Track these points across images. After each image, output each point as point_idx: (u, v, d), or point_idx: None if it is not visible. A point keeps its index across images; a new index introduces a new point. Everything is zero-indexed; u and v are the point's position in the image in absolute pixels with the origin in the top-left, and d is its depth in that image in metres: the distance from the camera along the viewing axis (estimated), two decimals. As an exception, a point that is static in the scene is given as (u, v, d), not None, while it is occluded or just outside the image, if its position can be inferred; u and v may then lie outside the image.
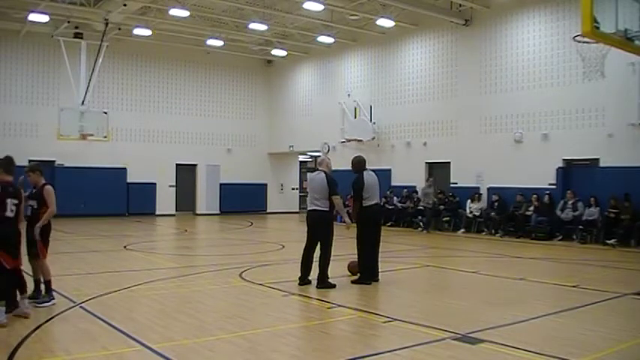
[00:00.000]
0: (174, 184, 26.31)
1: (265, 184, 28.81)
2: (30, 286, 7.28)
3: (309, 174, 9.20)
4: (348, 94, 24.04)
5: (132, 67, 25.41)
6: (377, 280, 9.06)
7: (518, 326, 6.44)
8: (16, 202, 6.57)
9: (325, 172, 8.81)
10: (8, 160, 6.75)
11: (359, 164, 9.34)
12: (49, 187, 7.28)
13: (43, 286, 7.28)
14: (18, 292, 6.57)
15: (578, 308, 7.48)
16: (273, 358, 5.23)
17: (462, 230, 18.55)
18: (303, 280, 8.75)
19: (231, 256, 12.75)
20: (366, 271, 8.99)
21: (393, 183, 21.81)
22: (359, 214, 9.15)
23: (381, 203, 9.90)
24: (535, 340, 5.81)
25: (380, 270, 9.25)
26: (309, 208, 8.91)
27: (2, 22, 21.40)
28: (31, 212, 7.16)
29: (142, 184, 25.06)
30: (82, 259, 11.76)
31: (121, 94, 25.06)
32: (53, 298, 7.22)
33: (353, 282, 8.96)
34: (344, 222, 8.94)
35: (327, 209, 8.64)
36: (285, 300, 7.87)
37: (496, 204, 17.91)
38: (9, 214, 6.46)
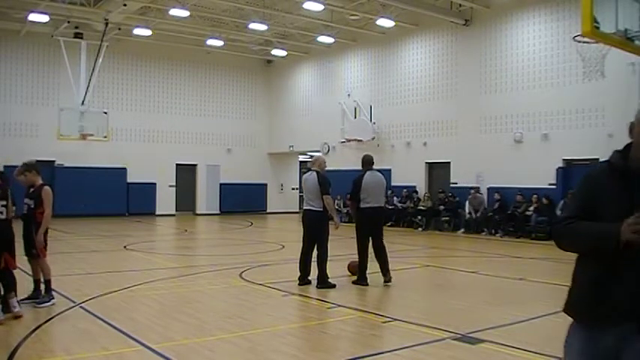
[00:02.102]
0: (174, 184, 26.30)
1: (265, 184, 28.80)
2: (30, 286, 7.30)
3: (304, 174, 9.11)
4: (348, 94, 24.03)
5: (132, 67, 25.41)
6: (389, 281, 8.86)
7: (518, 326, 6.45)
8: (3, 203, 6.52)
9: (317, 172, 8.77)
10: None
11: (365, 163, 9.08)
12: (48, 189, 7.23)
13: (42, 286, 7.26)
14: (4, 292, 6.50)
15: (578, 308, 7.46)
16: (273, 358, 5.23)
17: (462, 230, 18.54)
18: (303, 280, 8.75)
19: (231, 256, 12.74)
20: (361, 272, 8.87)
21: (393, 183, 21.76)
22: (355, 215, 9.03)
23: (383, 205, 9.26)
24: (535, 340, 5.81)
25: (379, 270, 9.22)
26: (304, 208, 8.93)
27: (2, 22, 21.40)
28: (27, 210, 7.14)
29: (142, 184, 25.05)
30: (82, 259, 11.76)
31: (121, 94, 25.05)
32: (53, 298, 7.21)
33: (354, 282, 8.93)
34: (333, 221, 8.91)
35: (321, 209, 8.62)
36: (285, 300, 7.87)
37: (497, 204, 17.86)
38: None
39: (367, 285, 8.75)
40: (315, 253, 8.79)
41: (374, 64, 23.42)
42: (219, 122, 27.59)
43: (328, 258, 8.73)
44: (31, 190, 7.20)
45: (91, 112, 21.06)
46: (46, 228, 7.18)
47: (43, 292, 7.22)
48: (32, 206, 7.10)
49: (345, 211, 22.53)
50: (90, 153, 23.24)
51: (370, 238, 8.90)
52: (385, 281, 8.84)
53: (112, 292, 8.08)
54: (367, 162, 9.07)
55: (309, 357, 5.31)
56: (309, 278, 8.79)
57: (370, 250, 8.97)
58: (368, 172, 8.91)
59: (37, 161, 7.68)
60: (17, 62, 22.91)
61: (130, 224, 21.21)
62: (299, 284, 8.70)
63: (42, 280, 7.24)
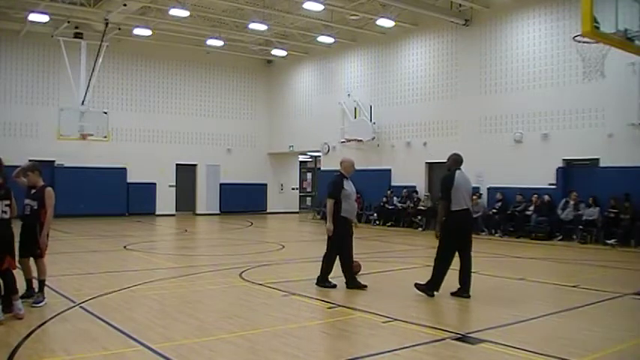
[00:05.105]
0: (174, 184, 26.31)
1: (265, 184, 28.80)
2: (22, 286, 7.28)
3: None
4: (348, 94, 24.03)
5: (132, 67, 25.40)
6: (468, 297, 7.88)
7: (518, 326, 6.44)
8: (7, 203, 6.54)
9: (339, 174, 8.65)
10: None
11: (454, 162, 8.26)
12: (50, 190, 7.26)
13: (36, 285, 7.26)
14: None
15: (578, 308, 7.48)
16: (273, 358, 5.23)
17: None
18: (319, 282, 8.64)
19: (231, 256, 12.74)
20: (435, 281, 7.97)
21: (393, 183, 21.80)
22: (444, 219, 8.00)
23: (471, 209, 8.30)
24: (535, 340, 5.81)
25: (379, 270, 9.22)
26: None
27: (2, 22, 21.40)
28: (30, 212, 7.15)
29: (142, 184, 25.05)
30: (82, 259, 11.76)
31: (121, 94, 25.06)
32: (45, 298, 7.22)
33: (416, 285, 8.14)
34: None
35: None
36: (285, 300, 7.87)
37: (499, 204, 17.80)
38: (0, 215, 6.44)
39: (430, 296, 7.94)
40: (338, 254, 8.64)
41: (374, 64, 23.42)
42: (219, 122, 27.59)
43: (333, 259, 8.59)
44: (33, 191, 7.22)
45: (91, 112, 21.08)
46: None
47: (36, 290, 7.22)
48: (35, 207, 7.12)
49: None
50: (90, 153, 23.24)
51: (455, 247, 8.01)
52: (465, 297, 7.91)
53: (112, 292, 8.08)
54: (457, 161, 8.28)
55: (309, 357, 5.31)
56: (331, 281, 8.62)
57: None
58: (458, 172, 8.14)
59: (36, 161, 7.69)
60: (17, 62, 22.90)
61: (130, 224, 21.21)
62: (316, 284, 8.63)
63: (38, 279, 7.25)
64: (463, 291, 7.95)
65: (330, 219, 8.49)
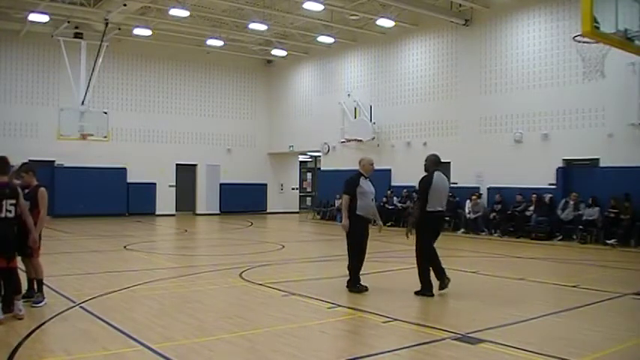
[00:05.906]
0: (174, 184, 26.31)
1: (265, 184, 28.80)
2: (24, 286, 7.28)
3: None
4: (348, 94, 24.04)
5: (132, 67, 25.40)
6: (448, 281, 8.11)
7: (518, 326, 6.45)
8: (13, 202, 6.53)
9: (357, 172, 8.49)
10: (2, 160, 6.69)
11: (432, 163, 8.29)
12: (43, 190, 7.25)
13: (35, 285, 7.26)
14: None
15: (578, 308, 7.48)
16: (273, 358, 5.23)
17: (462, 230, 18.54)
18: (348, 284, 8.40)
19: (231, 256, 12.74)
20: (426, 281, 8.09)
21: (393, 183, 21.80)
22: (420, 219, 8.07)
23: (444, 209, 8.39)
24: (535, 340, 5.81)
25: (379, 270, 9.19)
26: None
27: (2, 22, 21.40)
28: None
29: (142, 184, 25.05)
30: (82, 259, 11.76)
31: (121, 94, 25.06)
32: (45, 298, 7.22)
33: (416, 293, 8.12)
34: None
35: (347, 209, 8.31)
36: (285, 300, 7.87)
37: (499, 206, 17.78)
38: (5, 214, 6.44)
39: (433, 296, 8.01)
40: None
41: (374, 64, 23.42)
42: (219, 122, 27.59)
43: (358, 259, 8.32)
44: (26, 191, 7.21)
45: (91, 112, 21.10)
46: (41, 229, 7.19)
47: (36, 290, 7.22)
48: (28, 207, 7.10)
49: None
50: (90, 153, 23.23)
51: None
52: (446, 283, 8.10)
53: (112, 292, 8.08)
54: (436, 162, 8.32)
55: (309, 357, 5.31)
56: (363, 284, 8.35)
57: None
58: (436, 173, 8.16)
59: (36, 161, 7.69)
60: (17, 62, 22.90)
61: (130, 224, 21.20)
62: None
63: (35, 279, 7.25)
64: (442, 280, 8.07)
65: (345, 215, 8.31)
